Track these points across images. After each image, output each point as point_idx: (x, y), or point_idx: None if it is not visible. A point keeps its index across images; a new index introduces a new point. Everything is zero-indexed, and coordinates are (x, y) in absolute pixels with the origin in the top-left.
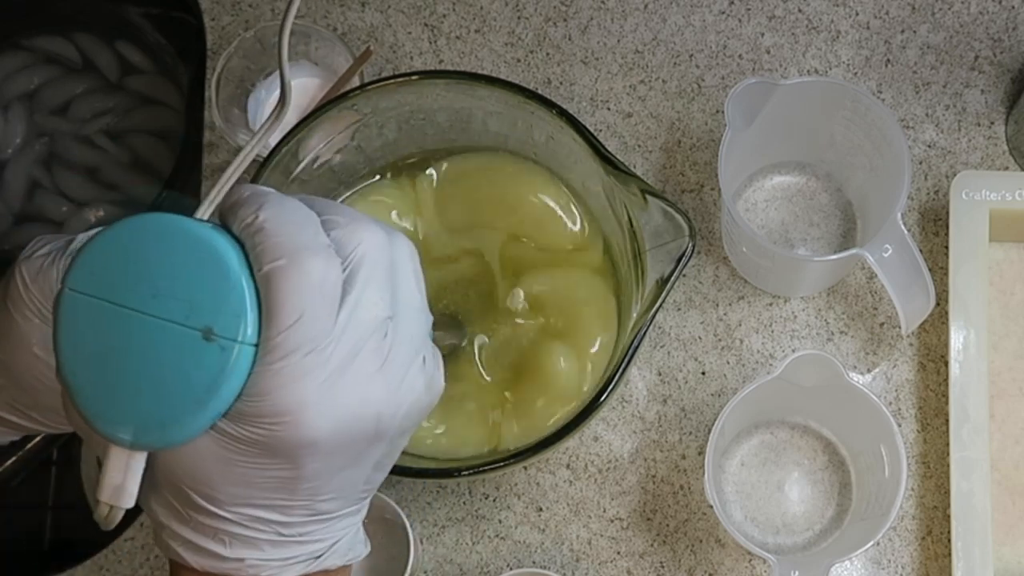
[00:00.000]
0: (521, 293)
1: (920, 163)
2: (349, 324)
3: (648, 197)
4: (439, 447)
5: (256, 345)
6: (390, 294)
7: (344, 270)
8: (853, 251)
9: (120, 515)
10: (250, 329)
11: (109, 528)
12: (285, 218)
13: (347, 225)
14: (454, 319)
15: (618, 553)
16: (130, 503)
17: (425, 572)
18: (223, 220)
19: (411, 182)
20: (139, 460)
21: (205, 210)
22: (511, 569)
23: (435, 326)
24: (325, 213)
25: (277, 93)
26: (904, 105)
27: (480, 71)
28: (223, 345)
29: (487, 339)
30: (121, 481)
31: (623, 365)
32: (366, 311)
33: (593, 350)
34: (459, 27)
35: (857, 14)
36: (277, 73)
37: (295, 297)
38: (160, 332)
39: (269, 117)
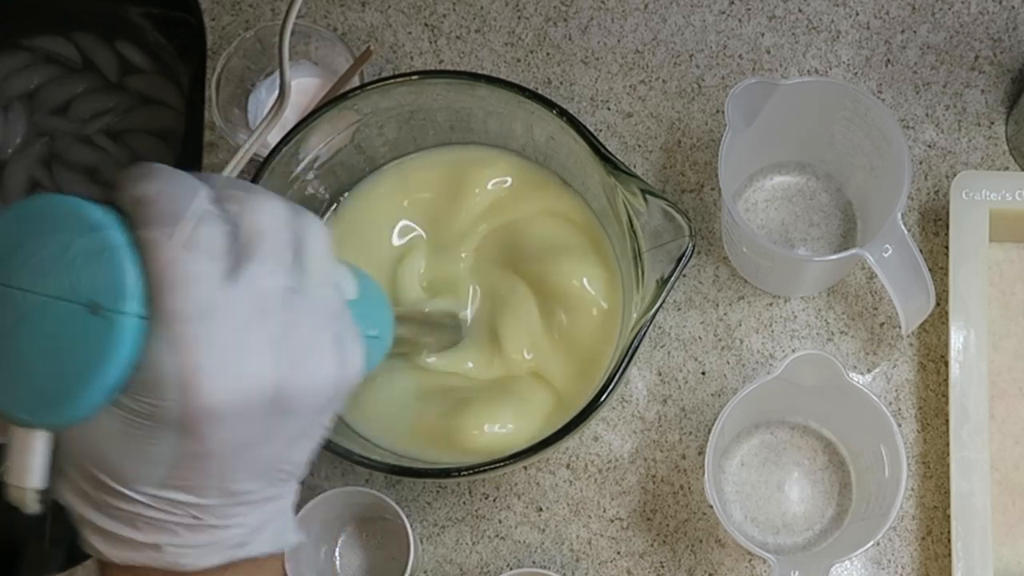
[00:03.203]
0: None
1: (920, 163)
2: (243, 293)
3: (648, 197)
4: (518, 441)
5: (143, 316)
6: (292, 266)
7: (237, 239)
8: (853, 251)
9: (34, 497)
10: (134, 300)
11: (29, 511)
12: (167, 188)
13: (244, 199)
14: (447, 315)
15: (618, 553)
16: (37, 483)
17: (425, 572)
18: (114, 198)
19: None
20: (41, 440)
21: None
22: (511, 569)
23: (415, 321)
24: (222, 187)
25: (277, 93)
26: (904, 105)
27: (480, 71)
28: (108, 318)
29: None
30: (25, 461)
31: (623, 365)
32: (262, 281)
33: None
34: (459, 27)
35: (857, 14)
36: (277, 73)
37: (175, 263)
38: (46, 309)
39: (268, 114)
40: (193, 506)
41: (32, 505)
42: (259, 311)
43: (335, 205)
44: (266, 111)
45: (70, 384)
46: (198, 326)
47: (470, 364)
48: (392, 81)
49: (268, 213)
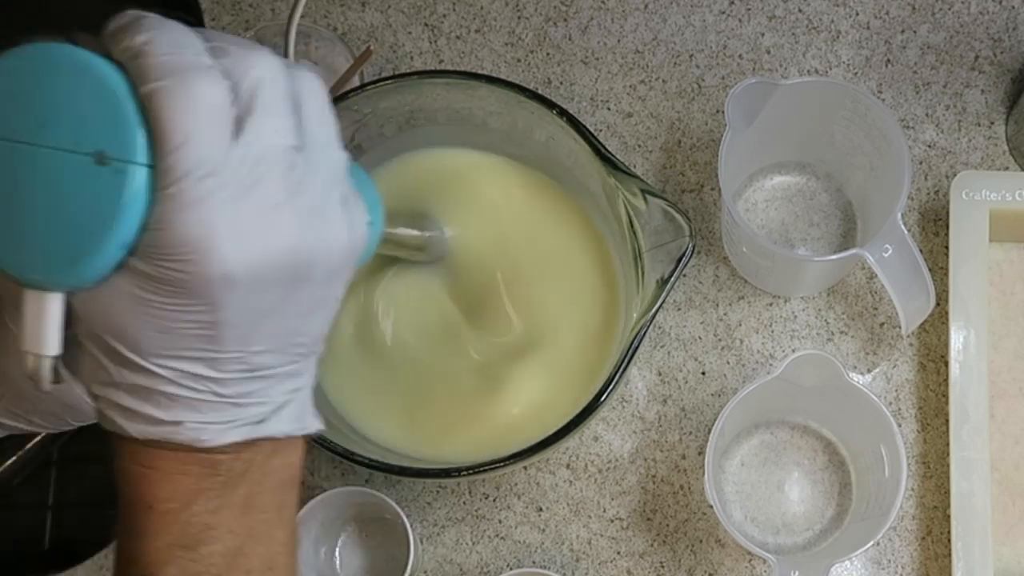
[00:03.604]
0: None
1: (920, 163)
2: (248, 149)
3: (648, 197)
4: (558, 397)
5: (151, 166)
6: (293, 124)
7: (238, 94)
8: (853, 251)
9: (48, 367)
10: (141, 149)
11: (44, 387)
12: (165, 39)
13: (238, 53)
14: (424, 216)
15: (618, 553)
16: (53, 349)
17: (425, 572)
18: (106, 48)
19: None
20: (55, 302)
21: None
22: (511, 569)
23: (403, 221)
24: (215, 41)
25: None
26: (904, 105)
27: (480, 71)
28: (117, 168)
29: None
30: (40, 326)
31: (623, 365)
32: (266, 137)
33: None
34: (459, 27)
35: (857, 14)
36: None
37: (179, 117)
38: (52, 161)
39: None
40: (213, 380)
41: (47, 376)
42: (266, 170)
43: None
44: None
45: (83, 240)
46: (203, 182)
47: (474, 355)
48: (392, 81)
49: (265, 67)
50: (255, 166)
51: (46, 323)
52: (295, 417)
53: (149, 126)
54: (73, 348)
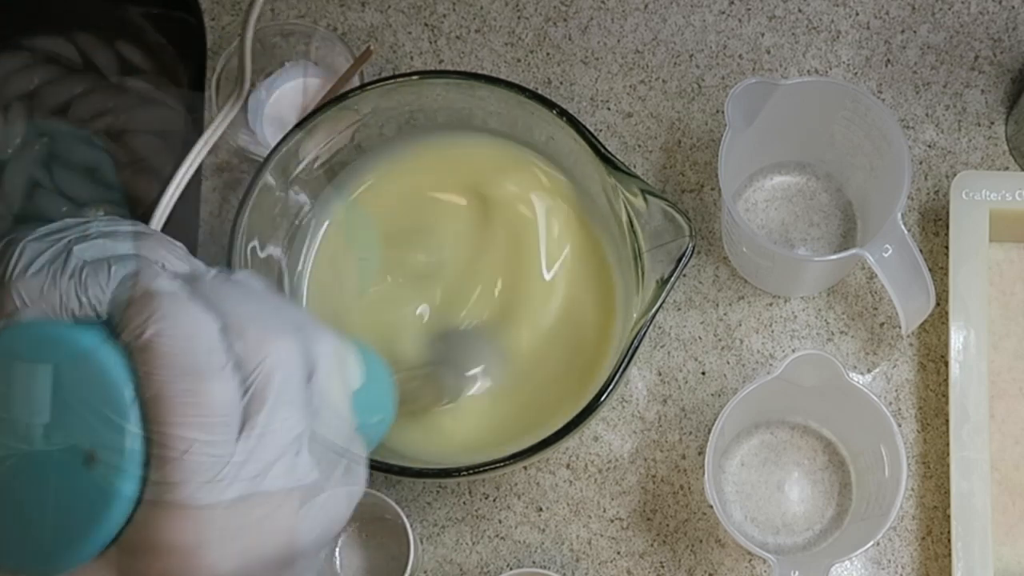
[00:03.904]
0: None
1: (920, 163)
2: (254, 450)
3: (648, 197)
4: (534, 422)
5: (143, 473)
6: (303, 406)
7: (248, 389)
8: (853, 251)
9: None
10: (135, 458)
11: None
12: (176, 333)
13: (253, 336)
14: (448, 370)
15: (618, 553)
16: None
17: (425, 572)
18: (115, 320)
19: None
20: None
21: (158, 221)
22: (511, 569)
23: (414, 385)
24: (231, 316)
25: (277, 93)
26: (904, 105)
27: (480, 71)
28: (105, 472)
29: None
30: None
31: (623, 365)
32: (273, 434)
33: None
34: (459, 27)
35: (857, 14)
36: (277, 73)
37: (182, 427)
38: (36, 457)
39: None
40: None
41: None
42: (270, 466)
43: (335, 206)
44: (266, 112)
45: (63, 538)
46: (202, 491)
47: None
48: (392, 81)
49: (280, 352)
50: (258, 464)
51: None
52: None
53: (148, 430)
54: None
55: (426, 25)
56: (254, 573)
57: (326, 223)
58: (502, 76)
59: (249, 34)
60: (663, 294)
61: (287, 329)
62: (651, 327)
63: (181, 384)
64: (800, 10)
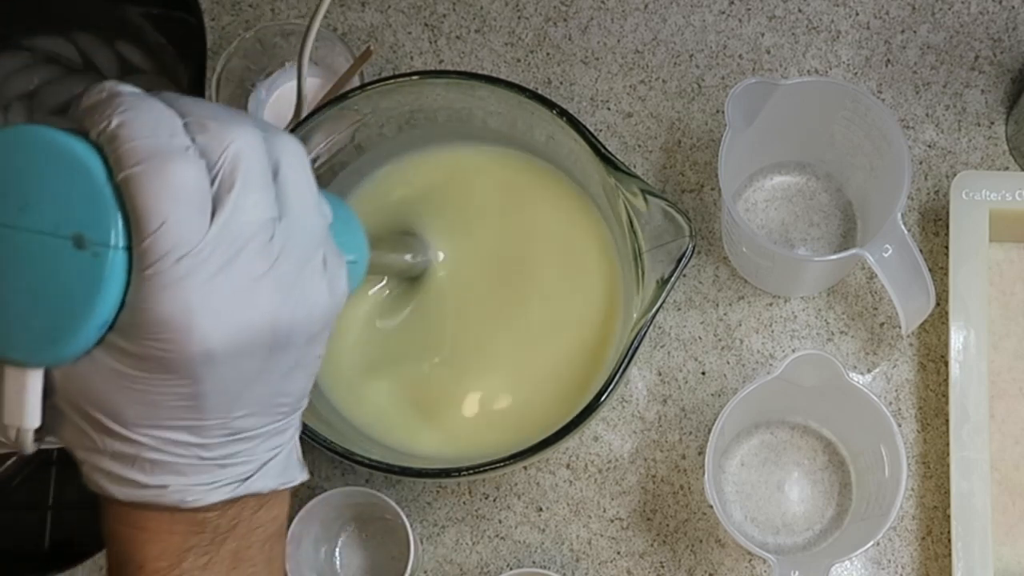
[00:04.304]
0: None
1: (920, 163)
2: (225, 227)
3: (648, 197)
4: (533, 421)
5: (128, 249)
6: (272, 194)
7: (215, 173)
8: (853, 251)
9: (29, 438)
10: (118, 232)
11: (27, 451)
12: (140, 121)
13: (215, 128)
14: (409, 234)
15: (618, 553)
16: (34, 423)
17: (425, 572)
18: (82, 124)
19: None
20: (35, 378)
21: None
22: (511, 569)
23: (387, 244)
24: (191, 115)
25: (277, 93)
26: (904, 105)
27: (480, 71)
28: (95, 251)
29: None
30: (20, 401)
31: (623, 365)
32: (244, 213)
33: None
34: (459, 27)
35: (857, 14)
36: (277, 73)
37: (154, 202)
38: (31, 244)
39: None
40: (196, 445)
41: (29, 445)
42: (245, 245)
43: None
44: (267, 112)
45: (61, 321)
46: (181, 264)
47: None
48: (392, 81)
49: (243, 140)
50: (233, 243)
51: (26, 398)
52: (279, 472)
53: (127, 210)
54: (55, 414)
55: (426, 25)
56: (244, 351)
57: None
58: (502, 76)
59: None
60: (663, 294)
61: (249, 123)
62: (651, 327)
63: (148, 164)
64: (800, 10)
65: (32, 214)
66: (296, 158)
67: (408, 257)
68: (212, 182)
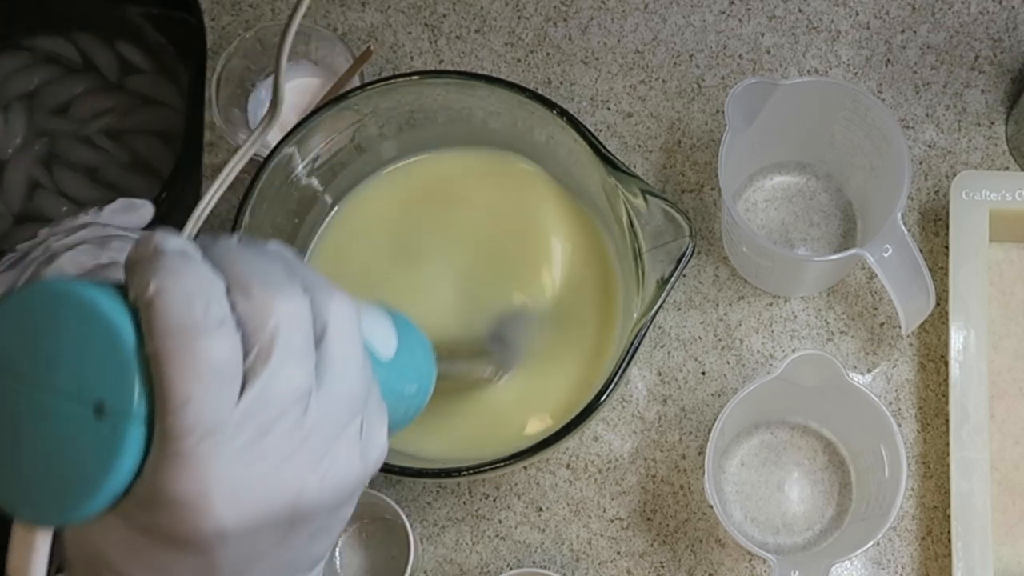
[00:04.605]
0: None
1: (920, 163)
2: (256, 402)
3: (648, 197)
4: (532, 421)
5: (148, 425)
6: (312, 363)
7: (252, 345)
8: (853, 251)
9: None
10: (140, 406)
11: None
12: (179, 290)
13: (259, 296)
14: (495, 339)
15: (618, 553)
16: None
17: (425, 572)
18: (126, 276)
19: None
20: (43, 538)
21: (190, 230)
22: (511, 569)
23: (465, 352)
24: (237, 278)
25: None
26: (904, 105)
27: (480, 71)
28: (114, 423)
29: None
30: (26, 557)
31: (623, 365)
32: (277, 390)
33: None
34: (459, 27)
35: (857, 14)
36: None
37: (179, 379)
38: (52, 405)
39: (261, 121)
40: None
41: None
42: (275, 421)
43: (336, 206)
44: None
45: (73, 487)
46: (203, 444)
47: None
48: (392, 81)
49: (287, 307)
50: (263, 420)
51: (32, 557)
52: None
53: (152, 383)
54: (65, 562)
55: (426, 25)
56: (262, 528)
57: (327, 222)
58: (502, 76)
59: (294, 27)
60: (663, 294)
61: (296, 288)
62: (651, 327)
63: (178, 339)
64: (800, 10)
65: (57, 373)
66: (345, 322)
67: (488, 371)
68: (247, 355)
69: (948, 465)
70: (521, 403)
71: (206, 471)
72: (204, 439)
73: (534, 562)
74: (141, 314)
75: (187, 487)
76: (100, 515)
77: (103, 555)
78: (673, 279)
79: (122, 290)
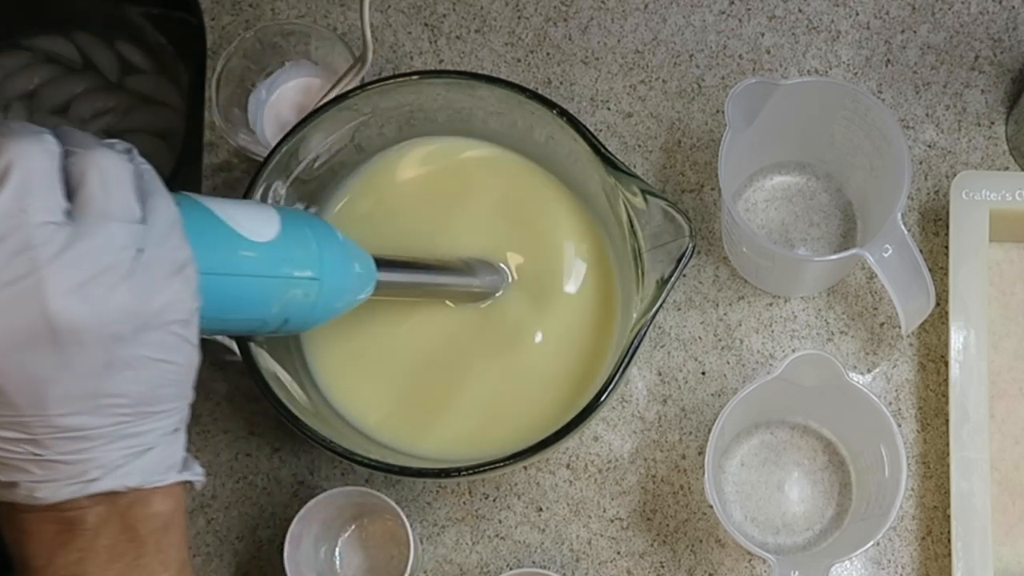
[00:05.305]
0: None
1: (920, 163)
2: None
3: (648, 197)
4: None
5: None
6: (59, 195)
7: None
8: (853, 251)
9: None
10: None
11: None
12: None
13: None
14: (480, 262)
15: (618, 553)
16: None
17: (425, 572)
18: None
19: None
20: None
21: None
22: (511, 569)
23: (449, 272)
24: (69, 143)
25: (277, 93)
26: (904, 105)
27: (480, 71)
28: None
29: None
30: None
31: (623, 365)
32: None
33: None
34: (459, 27)
35: (857, 14)
36: (277, 73)
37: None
38: None
39: (352, 66)
40: (26, 442)
41: None
42: (34, 241)
43: (337, 206)
44: (266, 112)
45: None
46: None
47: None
48: (392, 81)
49: (24, 151)
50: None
51: None
52: (148, 471)
53: None
54: None
55: (426, 25)
56: (20, 344)
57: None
58: (502, 76)
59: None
60: (663, 294)
61: (47, 138)
62: (651, 327)
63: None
64: (800, 10)
65: None
66: (102, 166)
67: (477, 284)
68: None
69: (948, 465)
70: (521, 403)
71: None
72: None
73: (534, 562)
74: None
75: None
76: None
77: None
78: (673, 279)
79: None
